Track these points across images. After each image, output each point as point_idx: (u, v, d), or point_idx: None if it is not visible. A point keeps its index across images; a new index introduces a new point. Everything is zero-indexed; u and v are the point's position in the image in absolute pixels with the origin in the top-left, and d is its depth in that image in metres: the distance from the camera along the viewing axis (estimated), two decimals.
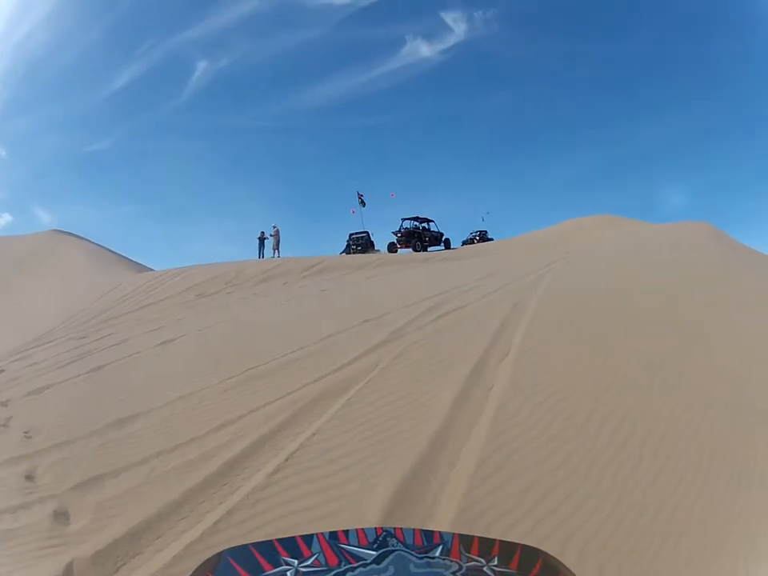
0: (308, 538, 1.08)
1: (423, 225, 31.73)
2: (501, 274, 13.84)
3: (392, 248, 29.89)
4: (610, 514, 3.47)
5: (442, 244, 32.45)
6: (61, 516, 3.59)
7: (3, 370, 8.27)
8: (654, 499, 3.69)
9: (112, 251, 33.92)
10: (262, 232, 27.22)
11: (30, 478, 4.16)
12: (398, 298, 10.57)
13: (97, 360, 8.12)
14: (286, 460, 4.07)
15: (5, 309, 18.79)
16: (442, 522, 3.37)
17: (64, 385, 6.94)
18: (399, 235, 30.34)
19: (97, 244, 34.68)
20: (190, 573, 1.02)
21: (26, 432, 5.10)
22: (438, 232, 32.50)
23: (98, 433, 4.89)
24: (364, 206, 32.76)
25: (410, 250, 28.88)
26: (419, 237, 30.43)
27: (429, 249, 30.03)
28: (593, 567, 3.03)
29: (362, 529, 1.13)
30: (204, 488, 3.78)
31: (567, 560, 3.03)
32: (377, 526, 1.14)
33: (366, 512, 3.42)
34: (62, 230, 36.63)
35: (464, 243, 35.39)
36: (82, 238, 35.26)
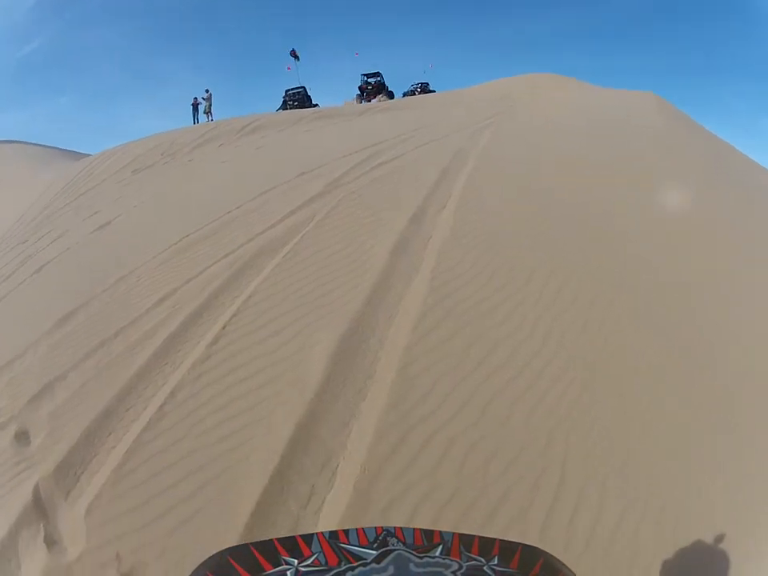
0: (308, 538, 1.02)
1: (378, 79, 33.17)
2: (442, 124, 13.25)
3: (359, 100, 31.45)
4: (558, 377, 3.43)
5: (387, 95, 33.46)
6: (21, 437, 3.43)
7: None
8: (601, 364, 3.67)
9: (51, 147, 32.24)
10: (195, 98, 25.92)
11: None
12: (335, 150, 10.03)
13: (38, 261, 7.69)
14: (224, 328, 3.92)
15: None
16: (383, 380, 3.30)
17: (9, 297, 6.59)
18: (370, 88, 32.03)
19: (35, 144, 32.79)
20: (190, 573, 0.94)
21: None
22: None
23: (44, 337, 4.64)
24: (298, 60, 32.00)
25: (374, 101, 29.84)
26: (384, 88, 32.50)
27: None
28: (541, 433, 3.00)
29: (362, 528, 1.07)
30: (147, 371, 3.64)
31: (514, 427, 2.96)
32: (377, 526, 1.08)
33: (307, 373, 3.35)
34: None
35: (404, 95, 34.16)
36: (18, 142, 33.26)
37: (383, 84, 32.25)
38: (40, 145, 32.65)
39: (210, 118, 24.76)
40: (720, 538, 2.66)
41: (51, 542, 2.61)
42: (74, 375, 3.88)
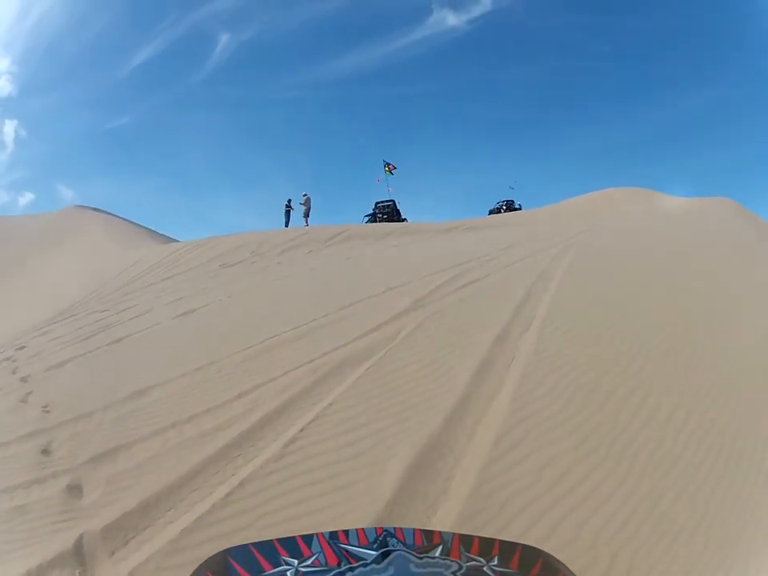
0: (308, 538, 1.10)
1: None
2: (526, 244, 13.82)
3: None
4: (627, 498, 3.45)
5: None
6: (74, 490, 3.64)
7: (25, 346, 8.41)
8: (672, 485, 3.66)
9: (136, 224, 34.39)
10: (289, 200, 26.95)
11: (45, 452, 4.22)
12: (422, 266, 10.56)
13: (118, 332, 8.24)
14: (302, 430, 4.08)
15: (28, 285, 19.17)
16: (456, 497, 3.36)
17: (84, 358, 7.05)
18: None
19: (120, 217, 35.21)
20: (191, 573, 1.05)
21: (45, 407, 5.17)
22: None
23: (115, 405, 4.94)
24: (392, 174, 33.62)
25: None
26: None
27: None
28: (606, 554, 3.00)
29: (363, 529, 1.15)
30: (218, 459, 3.80)
31: (580, 545, 3.08)
32: (377, 526, 1.17)
33: (379, 485, 3.43)
34: (85, 205, 37.21)
35: (490, 213, 35.18)
36: (105, 212, 35.82)
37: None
38: (127, 220, 34.77)
39: (305, 222, 25.57)
40: None
41: None
42: (140, 447, 4.11)
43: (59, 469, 3.91)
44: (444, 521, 3.17)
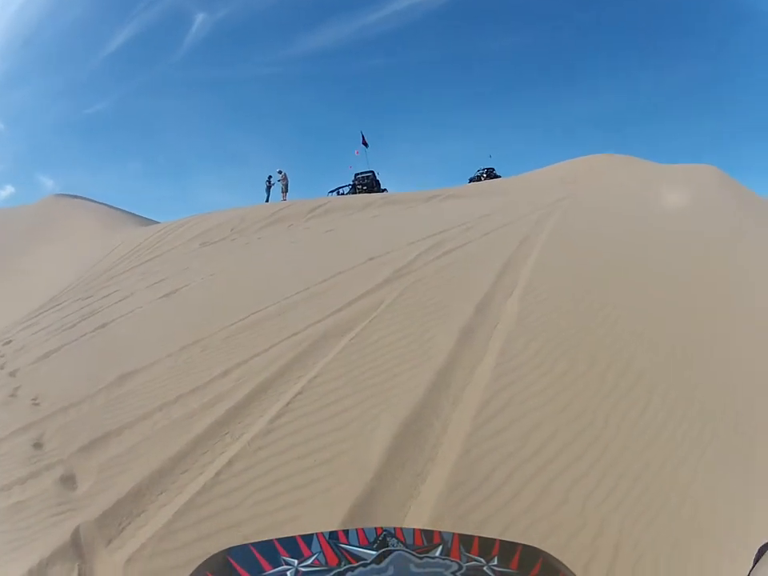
0: (308, 538, 1.09)
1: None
2: (507, 211, 13.82)
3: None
4: (613, 463, 3.48)
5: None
6: (68, 481, 3.64)
7: (11, 341, 8.32)
8: (658, 451, 3.69)
9: (117, 208, 33.98)
10: (270, 176, 26.74)
11: (37, 445, 4.21)
12: (403, 235, 10.50)
13: (101, 318, 8.17)
14: (288, 404, 4.09)
15: (12, 279, 18.92)
16: (444, 464, 3.39)
17: (70, 347, 7.01)
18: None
19: (101, 203, 34.68)
20: (190, 573, 1.03)
21: (34, 399, 5.15)
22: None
23: (103, 391, 4.93)
24: (367, 147, 33.07)
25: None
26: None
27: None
28: (594, 520, 3.02)
29: (362, 528, 1.14)
30: (206, 438, 3.82)
31: (569, 511, 3.09)
32: (377, 526, 1.15)
33: (367, 455, 3.45)
34: (66, 193, 36.64)
35: (471, 180, 34.89)
36: (85, 199, 35.31)
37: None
38: (108, 205, 34.20)
39: (284, 198, 25.25)
40: None
41: None
42: (129, 432, 4.11)
43: (52, 461, 3.89)
44: (432, 488, 3.19)
